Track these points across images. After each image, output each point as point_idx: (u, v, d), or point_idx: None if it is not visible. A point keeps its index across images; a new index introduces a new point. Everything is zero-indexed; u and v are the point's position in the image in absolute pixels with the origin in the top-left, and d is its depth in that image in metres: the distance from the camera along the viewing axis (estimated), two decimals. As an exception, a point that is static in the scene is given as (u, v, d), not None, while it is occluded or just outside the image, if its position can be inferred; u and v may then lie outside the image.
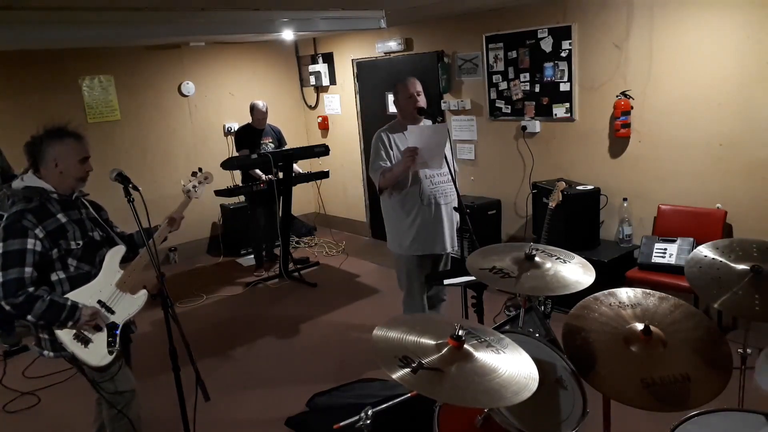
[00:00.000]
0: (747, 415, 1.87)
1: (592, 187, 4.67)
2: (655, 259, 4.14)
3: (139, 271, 2.68)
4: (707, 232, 3.95)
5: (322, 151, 6.06)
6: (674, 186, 4.38)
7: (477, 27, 5.38)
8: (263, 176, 5.82)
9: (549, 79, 4.94)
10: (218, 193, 5.63)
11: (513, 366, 1.79)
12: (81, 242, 2.53)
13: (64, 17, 4.06)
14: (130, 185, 2.55)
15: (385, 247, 3.76)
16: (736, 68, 3.92)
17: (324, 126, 7.47)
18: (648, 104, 4.40)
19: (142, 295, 2.70)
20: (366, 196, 7.17)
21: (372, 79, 6.67)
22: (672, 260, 4.07)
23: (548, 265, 2.36)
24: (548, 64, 4.91)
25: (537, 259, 2.38)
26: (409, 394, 2.26)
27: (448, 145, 3.41)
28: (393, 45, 6.16)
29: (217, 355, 4.47)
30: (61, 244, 2.47)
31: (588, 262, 2.43)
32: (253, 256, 6.42)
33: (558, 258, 2.43)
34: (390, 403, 2.19)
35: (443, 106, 5.85)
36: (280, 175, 5.86)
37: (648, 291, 2.17)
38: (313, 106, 7.66)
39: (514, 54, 5.15)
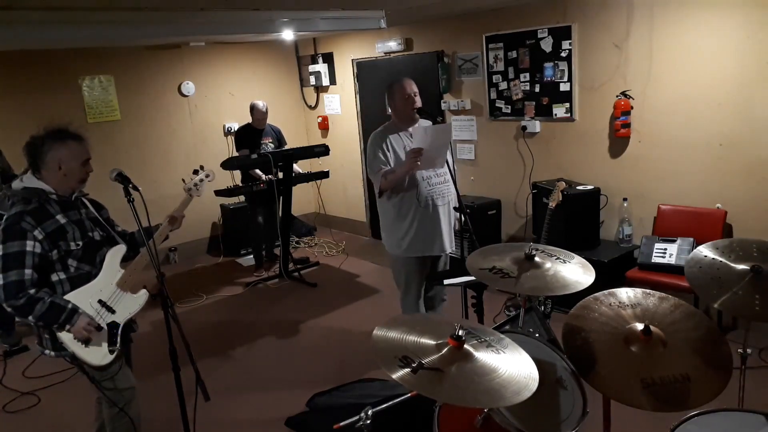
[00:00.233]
0: (747, 415, 1.87)
1: (592, 187, 4.67)
2: (655, 259, 4.14)
3: (140, 271, 2.68)
4: (707, 232, 3.95)
5: (322, 151, 6.06)
6: (674, 186, 4.38)
7: (477, 27, 5.38)
8: (263, 176, 5.82)
9: (549, 79, 4.94)
10: (218, 193, 5.63)
11: (513, 366, 1.79)
12: (81, 243, 2.53)
13: (64, 17, 4.06)
14: (130, 185, 2.55)
15: (385, 247, 3.75)
16: (736, 68, 3.92)
17: (324, 126, 7.47)
18: (648, 104, 4.40)
19: (143, 294, 2.69)
20: (366, 196, 7.17)
21: (372, 79, 6.67)
22: (672, 260, 4.07)
23: (548, 265, 2.36)
24: (548, 64, 4.91)
25: (537, 259, 2.39)
26: (409, 394, 2.26)
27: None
28: (393, 45, 6.16)
29: (217, 355, 4.47)
30: (60, 245, 2.47)
31: (588, 262, 2.43)
32: (253, 256, 6.42)
33: (558, 258, 2.43)
34: (390, 403, 2.19)
35: (443, 106, 5.85)
36: (280, 175, 5.86)
37: (648, 291, 2.17)
38: (313, 106, 7.66)
39: (514, 54, 5.15)
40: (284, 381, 4.03)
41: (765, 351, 3.75)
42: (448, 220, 3.60)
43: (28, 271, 2.38)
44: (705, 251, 2.37)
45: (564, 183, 4.39)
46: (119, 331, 2.60)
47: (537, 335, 2.49)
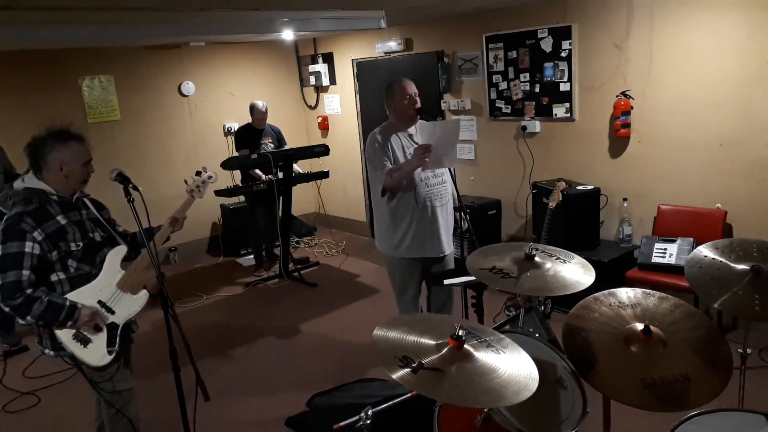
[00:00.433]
0: (747, 415, 1.87)
1: (592, 187, 4.67)
2: (655, 259, 4.14)
3: (140, 272, 2.68)
4: (707, 232, 3.95)
5: (322, 151, 6.06)
6: (674, 186, 4.38)
7: (477, 27, 5.38)
8: (263, 176, 5.82)
9: (549, 79, 4.94)
10: (218, 193, 5.63)
11: (513, 366, 1.79)
12: (81, 243, 2.53)
13: (64, 17, 4.06)
14: (130, 185, 2.55)
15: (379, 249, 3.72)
16: (736, 68, 3.92)
17: (324, 126, 7.47)
18: (648, 104, 4.40)
19: (143, 295, 2.69)
20: (366, 196, 7.17)
21: (372, 79, 6.67)
22: (672, 260, 4.07)
23: (548, 265, 2.36)
24: (548, 64, 4.92)
25: (537, 259, 2.39)
26: (409, 394, 2.26)
27: None
28: (393, 45, 6.16)
29: (217, 355, 4.47)
30: (60, 245, 2.47)
31: (588, 262, 2.43)
32: (253, 256, 6.42)
33: (558, 258, 2.43)
34: (390, 403, 2.18)
35: (443, 106, 5.85)
36: (280, 175, 5.86)
37: (648, 291, 2.17)
38: (313, 106, 7.66)
39: (514, 54, 5.15)
40: (284, 381, 4.03)
41: (765, 351, 3.75)
42: (445, 222, 3.55)
43: (26, 272, 2.38)
44: (705, 251, 2.37)
45: (564, 183, 4.39)
46: (118, 332, 2.60)
47: (537, 335, 2.49)
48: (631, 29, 4.37)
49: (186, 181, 2.96)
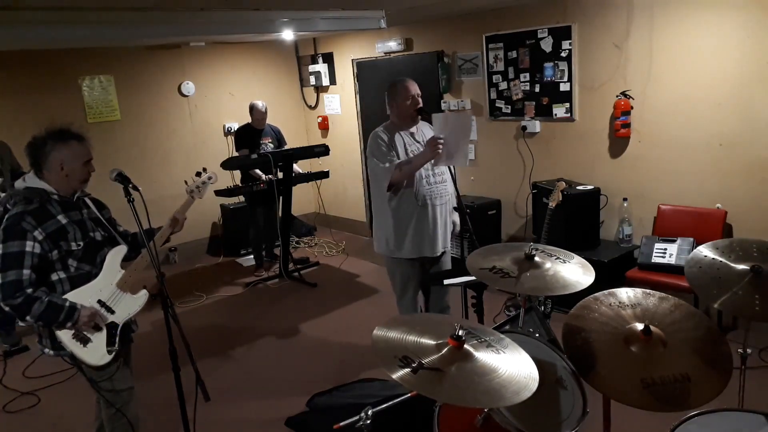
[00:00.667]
0: (747, 415, 1.87)
1: (592, 187, 4.67)
2: (655, 259, 4.14)
3: (140, 271, 2.68)
4: (707, 232, 3.95)
5: (322, 151, 6.06)
6: (674, 186, 4.38)
7: (477, 27, 5.38)
8: (263, 176, 5.81)
9: (549, 79, 4.94)
10: (218, 193, 5.63)
11: (513, 366, 1.79)
12: (82, 243, 2.53)
13: (64, 17, 4.06)
14: (130, 185, 2.55)
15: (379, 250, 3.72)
16: (736, 68, 3.92)
17: (324, 126, 7.47)
18: (648, 104, 4.40)
19: (143, 295, 2.69)
20: (366, 196, 7.17)
21: (372, 79, 6.67)
22: (672, 260, 4.07)
23: (548, 265, 2.36)
24: (548, 64, 4.92)
25: (537, 259, 2.39)
26: (409, 394, 2.26)
27: None
28: (393, 45, 6.16)
29: (217, 355, 4.47)
30: (61, 245, 2.47)
31: (588, 262, 2.43)
32: (253, 256, 6.41)
33: (558, 258, 2.43)
34: (390, 403, 2.18)
35: (443, 106, 5.85)
36: (280, 175, 5.86)
37: (648, 291, 2.17)
38: (313, 106, 7.66)
39: (514, 54, 5.15)
40: (284, 381, 4.03)
41: (765, 351, 3.75)
42: (444, 221, 3.55)
43: (26, 272, 2.38)
44: (705, 251, 2.36)
45: (564, 183, 4.38)
46: (118, 332, 2.61)
47: (537, 335, 2.49)
48: (631, 29, 4.37)
49: (186, 182, 2.96)
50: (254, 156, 5.69)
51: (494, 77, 5.37)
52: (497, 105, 5.41)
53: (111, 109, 6.30)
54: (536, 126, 5.13)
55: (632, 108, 4.44)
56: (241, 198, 6.50)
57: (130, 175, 2.63)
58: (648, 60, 4.33)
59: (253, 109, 5.96)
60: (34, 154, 2.49)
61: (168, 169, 6.62)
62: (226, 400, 3.79)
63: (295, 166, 5.96)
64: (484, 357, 1.80)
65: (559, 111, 4.93)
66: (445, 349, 1.78)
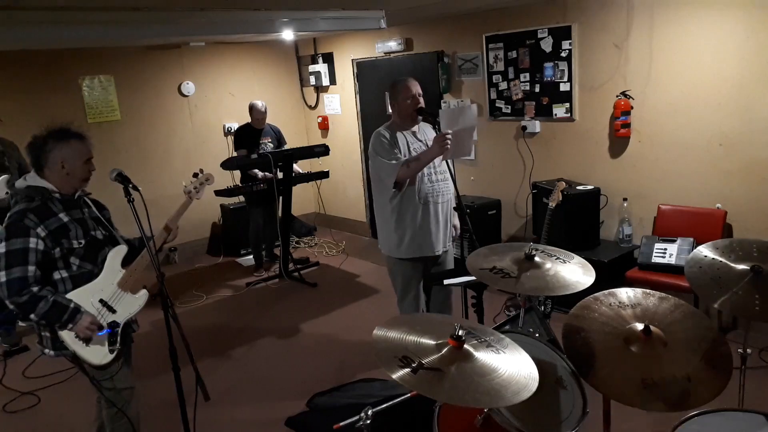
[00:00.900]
0: (747, 415, 1.88)
1: (592, 187, 4.67)
2: (655, 259, 4.14)
3: (141, 272, 2.69)
4: (707, 232, 3.95)
5: (322, 151, 6.06)
6: (674, 186, 4.38)
7: (477, 27, 5.38)
8: (260, 174, 5.79)
9: (549, 79, 4.94)
10: (218, 193, 5.63)
11: (513, 366, 1.79)
12: (83, 241, 2.54)
13: (64, 17, 4.06)
14: (130, 185, 2.56)
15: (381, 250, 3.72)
16: (736, 68, 3.92)
17: (324, 126, 7.47)
18: (648, 104, 4.40)
19: (143, 294, 2.71)
20: (366, 196, 7.17)
21: (372, 79, 6.67)
22: (672, 260, 4.07)
23: (548, 265, 2.36)
24: (548, 64, 4.92)
25: (537, 259, 2.39)
26: (409, 394, 2.26)
27: None
28: (393, 45, 6.16)
29: (217, 355, 4.47)
30: (63, 242, 2.48)
31: (588, 262, 2.43)
32: (252, 256, 6.41)
33: (558, 258, 2.43)
34: (390, 403, 2.19)
35: (443, 105, 5.85)
36: (280, 175, 5.86)
37: (648, 291, 2.17)
38: (313, 106, 7.66)
39: (514, 54, 5.15)
40: (284, 381, 4.03)
41: (765, 351, 3.75)
42: (446, 219, 3.56)
43: (31, 268, 2.39)
44: (705, 251, 2.37)
45: (564, 183, 4.39)
46: (119, 331, 2.61)
47: (537, 335, 2.50)
48: (631, 29, 4.37)
49: (184, 183, 2.98)
50: (254, 156, 5.68)
51: (494, 77, 5.37)
52: (497, 105, 5.41)
53: (111, 109, 6.30)
54: (536, 126, 5.13)
55: (632, 108, 4.44)
56: (241, 198, 6.50)
57: (130, 175, 2.64)
58: (648, 60, 4.33)
59: (252, 109, 5.95)
60: (35, 153, 2.50)
61: (168, 170, 6.62)
62: (226, 400, 3.79)
63: (295, 166, 5.96)
64: (484, 357, 1.80)
65: (559, 111, 4.93)
66: (445, 349, 1.78)
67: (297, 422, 3.49)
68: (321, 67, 7.16)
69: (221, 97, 7.03)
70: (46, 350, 2.58)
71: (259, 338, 4.74)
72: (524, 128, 5.19)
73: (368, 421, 1.98)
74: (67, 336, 2.49)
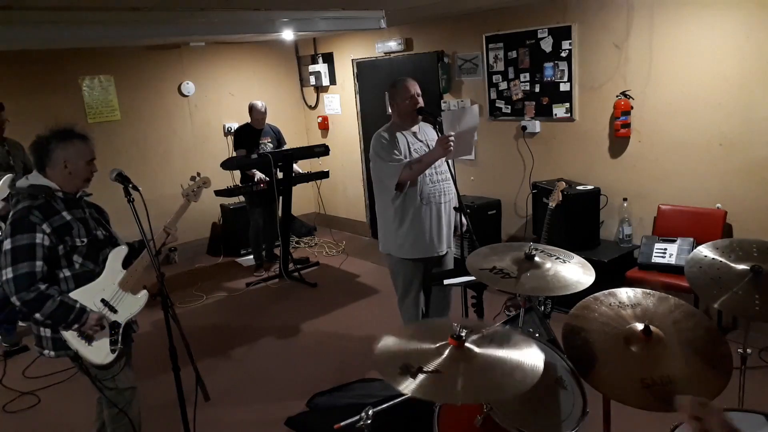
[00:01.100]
0: (747, 415, 1.87)
1: (592, 187, 4.67)
2: (655, 259, 4.14)
3: (141, 272, 2.69)
4: (707, 232, 3.95)
5: (322, 151, 6.06)
6: (674, 186, 4.38)
7: (477, 27, 5.38)
8: (257, 174, 5.78)
9: (549, 79, 4.94)
10: (218, 193, 5.63)
11: (516, 356, 1.79)
12: (85, 240, 2.56)
13: (64, 17, 4.06)
14: (130, 185, 2.57)
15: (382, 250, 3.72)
16: (736, 68, 3.92)
17: (324, 126, 7.47)
18: (648, 104, 4.40)
19: (144, 295, 2.72)
20: (366, 196, 7.17)
21: (372, 79, 6.67)
22: (672, 260, 4.07)
23: (548, 265, 2.36)
24: (548, 64, 4.92)
25: (537, 259, 2.39)
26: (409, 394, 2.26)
27: None
28: (393, 45, 6.16)
29: (217, 355, 4.47)
30: (66, 240, 2.49)
31: (588, 262, 2.43)
32: (252, 256, 6.41)
33: (558, 258, 2.43)
34: (390, 403, 2.18)
35: (443, 106, 5.85)
36: (280, 175, 5.86)
37: (648, 291, 2.17)
38: (313, 106, 7.66)
39: (514, 54, 5.15)
40: (284, 381, 4.03)
41: (765, 351, 3.75)
42: (448, 219, 3.56)
43: (39, 263, 2.39)
44: (705, 251, 2.36)
45: (564, 183, 4.39)
46: (120, 331, 2.62)
47: (537, 335, 2.50)
48: (631, 29, 4.37)
49: (182, 186, 2.99)
50: (254, 156, 5.68)
51: (494, 77, 5.37)
52: (497, 105, 5.41)
53: (111, 109, 6.30)
54: (536, 126, 5.13)
55: (632, 108, 4.44)
56: (241, 198, 6.50)
57: (130, 175, 2.65)
58: (648, 60, 4.33)
59: (252, 109, 5.95)
60: (39, 152, 2.52)
61: (168, 169, 6.62)
62: (226, 400, 3.79)
63: (295, 166, 5.96)
64: (487, 352, 1.79)
65: (559, 111, 4.93)
66: (447, 350, 1.78)
67: (297, 422, 3.49)
68: (321, 67, 7.16)
69: (221, 97, 7.03)
70: (46, 351, 2.58)
71: (259, 338, 4.74)
72: (524, 128, 5.19)
73: (368, 421, 1.98)
74: (70, 335, 2.50)
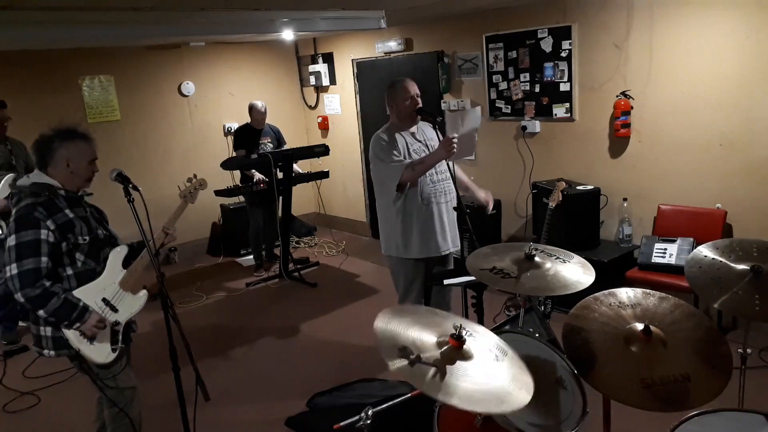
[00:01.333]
0: (747, 415, 1.88)
1: (592, 187, 4.67)
2: (655, 259, 4.14)
3: (141, 272, 2.70)
4: (707, 232, 3.95)
5: (322, 151, 6.06)
6: (674, 186, 4.38)
7: (477, 27, 5.38)
8: (256, 175, 5.78)
9: (549, 79, 4.94)
10: (218, 193, 5.63)
11: (508, 375, 1.78)
12: (87, 238, 2.56)
13: (64, 17, 4.06)
14: (130, 185, 2.58)
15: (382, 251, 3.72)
16: (736, 68, 3.92)
17: (324, 126, 7.47)
18: (648, 104, 4.40)
19: (143, 294, 2.73)
20: (366, 196, 7.17)
21: (372, 79, 6.67)
22: (672, 260, 4.07)
23: (548, 265, 2.36)
24: (548, 64, 4.91)
25: (537, 259, 2.38)
26: (409, 394, 2.26)
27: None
28: (393, 45, 6.16)
29: (217, 355, 4.47)
30: (69, 237, 2.50)
31: (588, 262, 2.43)
32: (252, 256, 6.41)
33: (558, 258, 2.43)
34: (390, 403, 2.18)
35: (443, 106, 5.85)
36: (280, 175, 5.86)
37: (648, 291, 2.17)
38: (313, 106, 7.66)
39: (514, 54, 5.15)
40: (284, 381, 4.03)
41: (765, 351, 3.75)
42: (450, 219, 3.55)
43: (44, 259, 2.40)
44: (705, 251, 2.37)
45: (564, 183, 4.39)
46: (121, 330, 2.63)
47: (537, 335, 2.49)
48: (631, 29, 4.37)
49: (179, 187, 3.00)
50: (254, 156, 5.68)
51: (494, 77, 5.37)
52: (497, 105, 5.41)
53: (111, 109, 6.30)
54: (536, 126, 5.13)
55: (632, 108, 4.44)
56: (241, 198, 6.50)
57: (130, 175, 2.66)
58: (648, 60, 4.33)
59: (252, 109, 5.95)
60: (42, 151, 2.53)
61: (168, 169, 6.62)
62: (226, 400, 3.79)
63: (295, 166, 5.96)
64: (482, 361, 1.79)
65: (559, 111, 4.93)
66: (445, 347, 1.78)
67: (297, 422, 3.49)
68: (321, 67, 7.16)
69: (221, 97, 7.03)
70: (46, 351, 2.57)
71: (259, 338, 4.74)
72: (524, 128, 5.19)
73: (368, 421, 1.98)
74: (72, 335, 2.50)
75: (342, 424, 2.11)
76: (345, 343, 4.50)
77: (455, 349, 1.78)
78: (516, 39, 5.10)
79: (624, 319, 2.06)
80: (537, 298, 3.75)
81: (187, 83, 6.73)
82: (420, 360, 1.69)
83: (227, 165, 5.58)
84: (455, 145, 3.20)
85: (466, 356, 1.78)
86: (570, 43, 4.73)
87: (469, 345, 1.81)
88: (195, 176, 3.04)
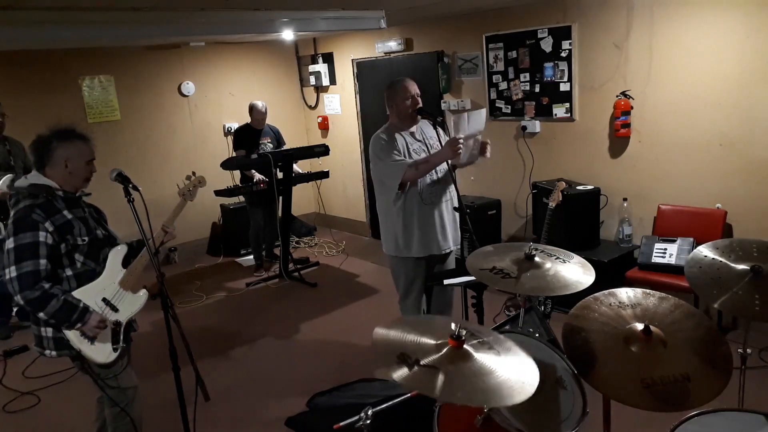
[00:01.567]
0: (747, 415, 1.88)
1: (592, 187, 4.67)
2: (655, 259, 4.14)
3: (141, 271, 2.70)
4: (707, 232, 3.95)
5: (322, 151, 6.06)
6: (674, 186, 4.38)
7: (477, 27, 5.38)
8: (256, 175, 5.78)
9: (549, 79, 4.94)
10: (218, 193, 5.63)
11: (512, 368, 1.78)
12: (86, 238, 2.56)
13: (64, 17, 4.06)
14: (130, 185, 2.58)
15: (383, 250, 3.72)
16: (736, 68, 3.92)
17: (324, 126, 7.47)
18: (648, 104, 4.40)
19: (143, 294, 2.73)
20: (366, 195, 7.17)
21: (372, 79, 6.67)
22: (672, 260, 4.07)
23: (548, 265, 2.36)
24: (548, 64, 4.91)
25: (537, 259, 2.38)
26: (409, 394, 2.26)
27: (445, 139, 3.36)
28: (393, 45, 6.16)
29: (217, 355, 4.47)
30: (68, 239, 2.50)
31: (588, 262, 2.43)
32: (252, 256, 6.41)
33: (558, 258, 2.43)
34: (390, 403, 2.18)
35: (443, 106, 5.85)
36: (280, 175, 5.86)
37: (648, 291, 2.17)
38: (313, 106, 7.66)
39: (514, 54, 5.15)
40: (284, 381, 4.03)
41: (765, 351, 3.75)
42: (451, 218, 3.56)
43: (42, 261, 2.40)
44: (705, 251, 2.36)
45: (564, 183, 4.39)
46: (122, 330, 2.63)
47: (537, 335, 2.50)
48: (631, 29, 4.37)
49: (178, 186, 3.00)
50: (254, 156, 5.68)
51: (494, 77, 5.37)
52: (497, 105, 5.41)
53: (111, 109, 6.30)
54: (536, 126, 5.13)
55: (632, 108, 4.44)
56: (241, 198, 6.50)
57: (130, 175, 2.66)
58: (648, 60, 4.33)
59: (252, 109, 5.96)
60: (40, 152, 2.53)
61: (168, 169, 6.61)
62: (226, 400, 3.79)
63: (295, 166, 5.96)
64: (484, 358, 1.79)
65: (559, 111, 4.93)
66: (445, 349, 1.78)
67: (297, 422, 3.49)
68: (321, 67, 7.16)
69: (221, 97, 7.03)
70: (47, 351, 2.58)
71: (259, 338, 4.74)
72: (524, 128, 5.19)
73: (368, 421, 1.98)
74: (72, 335, 2.50)
75: (342, 424, 2.11)
76: (345, 343, 4.50)
77: (455, 349, 1.78)
78: (516, 39, 5.10)
79: (624, 319, 2.06)
80: (537, 298, 3.75)
81: (187, 83, 6.73)
82: (419, 363, 1.68)
83: (227, 165, 5.58)
84: (461, 147, 3.20)
85: (466, 355, 1.78)
86: (570, 43, 4.73)
87: (469, 344, 1.82)
88: (194, 173, 3.03)
